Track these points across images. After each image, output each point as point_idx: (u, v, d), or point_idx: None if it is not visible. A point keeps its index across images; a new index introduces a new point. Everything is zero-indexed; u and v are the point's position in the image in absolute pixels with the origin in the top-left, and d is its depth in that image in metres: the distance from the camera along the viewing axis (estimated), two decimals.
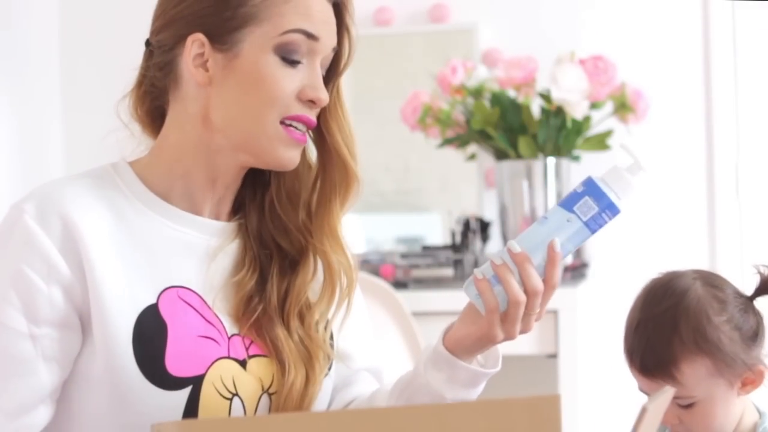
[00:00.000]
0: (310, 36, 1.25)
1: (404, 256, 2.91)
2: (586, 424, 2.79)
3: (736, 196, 3.12)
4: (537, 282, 1.21)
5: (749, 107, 3.13)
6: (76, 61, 3.40)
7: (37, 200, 1.23)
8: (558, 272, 1.22)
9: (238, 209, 1.36)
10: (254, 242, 1.34)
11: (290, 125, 1.26)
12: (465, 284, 1.24)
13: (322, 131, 1.32)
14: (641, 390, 1.38)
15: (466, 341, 1.25)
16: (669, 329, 1.34)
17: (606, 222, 1.21)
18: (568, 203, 1.21)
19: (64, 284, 1.21)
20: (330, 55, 1.30)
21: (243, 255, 1.33)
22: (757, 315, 1.38)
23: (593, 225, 1.21)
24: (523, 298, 1.20)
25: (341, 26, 1.31)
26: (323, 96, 1.27)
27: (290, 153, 1.27)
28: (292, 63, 1.26)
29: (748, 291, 1.40)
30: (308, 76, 1.26)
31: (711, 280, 1.38)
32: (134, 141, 1.35)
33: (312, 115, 1.28)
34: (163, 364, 1.21)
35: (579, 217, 1.20)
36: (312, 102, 1.26)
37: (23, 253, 1.20)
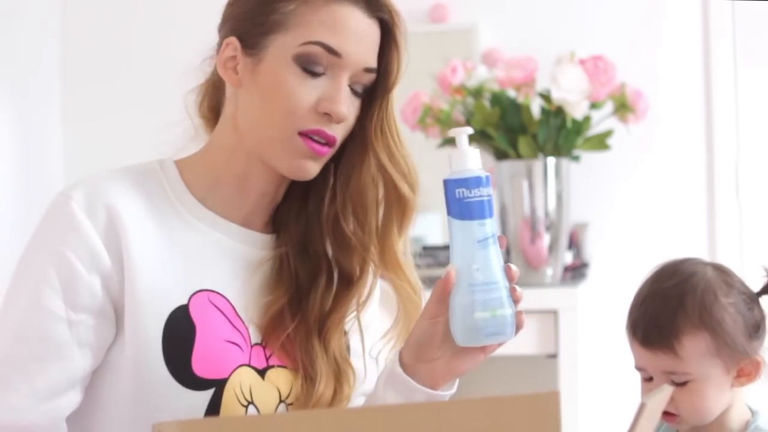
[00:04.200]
0: (331, 51, 1.24)
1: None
2: (586, 424, 2.79)
3: (736, 196, 3.12)
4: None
5: (749, 107, 3.13)
6: (76, 62, 3.40)
7: (85, 190, 1.25)
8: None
9: (276, 227, 1.35)
10: (294, 257, 1.32)
11: (309, 137, 1.25)
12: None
13: (376, 151, 1.30)
14: (637, 368, 1.39)
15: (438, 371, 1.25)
16: (675, 302, 1.35)
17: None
18: (469, 213, 1.18)
19: (104, 274, 1.22)
20: (365, 75, 1.27)
21: (279, 271, 1.32)
22: (761, 311, 1.39)
23: (492, 205, 1.20)
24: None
25: (390, 44, 1.28)
26: (339, 111, 1.24)
27: (305, 163, 1.26)
28: (313, 74, 1.24)
29: (753, 287, 1.41)
30: (328, 89, 1.25)
31: (721, 268, 1.41)
32: (174, 142, 1.37)
33: (330, 130, 1.25)
34: (190, 363, 1.23)
35: (485, 216, 1.19)
36: (328, 115, 1.25)
37: (68, 238, 1.22)
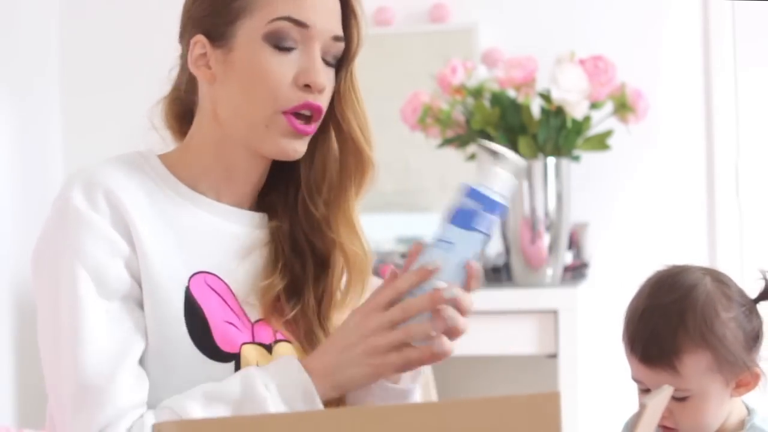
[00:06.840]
0: (298, 23, 1.26)
1: (404, 256, 2.91)
2: (586, 424, 2.79)
3: (736, 196, 3.12)
4: (470, 303, 1.20)
5: (749, 107, 3.13)
6: (76, 63, 3.40)
7: (79, 184, 1.25)
8: (477, 284, 1.21)
9: (264, 209, 1.37)
10: (287, 249, 1.34)
11: (293, 114, 1.27)
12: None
13: (336, 118, 1.33)
14: (634, 379, 1.38)
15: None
16: (675, 319, 1.33)
17: (498, 221, 1.21)
18: (465, 221, 1.19)
19: (125, 257, 1.24)
20: (335, 44, 1.30)
21: (274, 257, 1.34)
22: (759, 318, 1.38)
23: (492, 231, 1.20)
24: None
25: (348, 13, 1.31)
26: (319, 80, 1.27)
27: (292, 143, 1.28)
28: (285, 50, 1.27)
29: (751, 292, 1.40)
30: (303, 61, 1.27)
31: (719, 277, 1.39)
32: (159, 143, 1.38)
33: (315, 100, 1.28)
34: (211, 335, 1.24)
35: (480, 231, 1.19)
36: (308, 87, 1.27)
37: (81, 233, 1.22)
